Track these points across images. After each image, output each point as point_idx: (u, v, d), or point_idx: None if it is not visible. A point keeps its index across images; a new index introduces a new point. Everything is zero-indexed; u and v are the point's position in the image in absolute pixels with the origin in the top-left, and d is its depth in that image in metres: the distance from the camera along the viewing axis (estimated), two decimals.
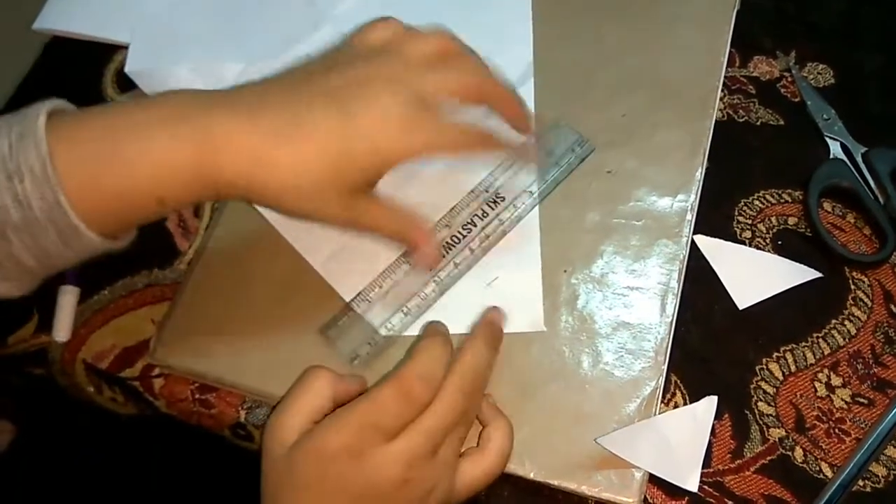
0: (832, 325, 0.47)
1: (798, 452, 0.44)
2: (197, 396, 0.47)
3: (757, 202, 0.51)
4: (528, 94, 0.53)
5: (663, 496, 0.43)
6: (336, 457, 0.37)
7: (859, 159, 0.51)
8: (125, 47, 0.53)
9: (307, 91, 0.40)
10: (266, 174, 0.38)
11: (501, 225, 0.48)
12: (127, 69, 0.51)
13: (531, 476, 0.42)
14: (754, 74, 0.56)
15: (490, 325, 0.43)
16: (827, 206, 0.51)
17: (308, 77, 0.40)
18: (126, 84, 0.57)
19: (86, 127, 0.38)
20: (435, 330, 0.42)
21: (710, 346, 0.46)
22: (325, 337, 0.46)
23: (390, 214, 0.43)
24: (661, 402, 0.44)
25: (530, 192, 0.49)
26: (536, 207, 0.49)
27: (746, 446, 0.44)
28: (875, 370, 0.46)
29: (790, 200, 0.51)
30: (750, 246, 0.49)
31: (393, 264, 0.47)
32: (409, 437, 0.38)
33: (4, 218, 0.36)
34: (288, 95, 0.39)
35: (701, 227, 0.49)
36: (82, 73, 0.59)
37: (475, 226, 0.48)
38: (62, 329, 0.48)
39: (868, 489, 0.42)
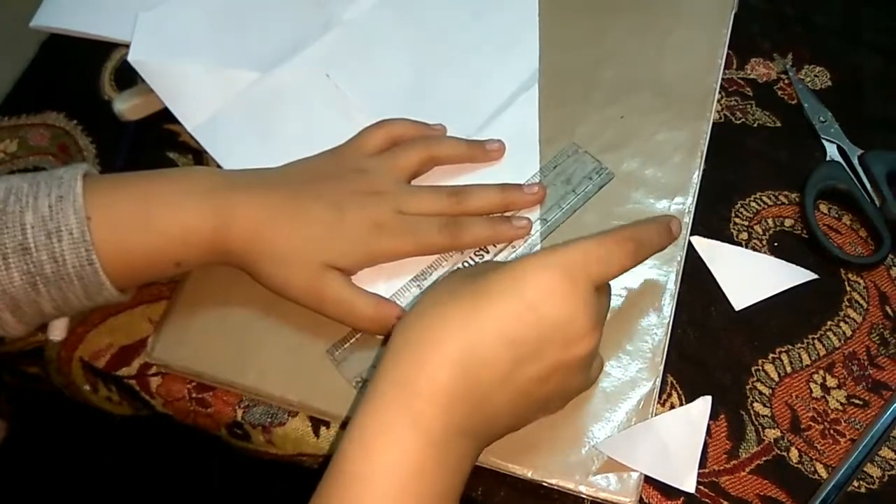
0: (828, 327, 0.47)
1: (793, 453, 0.44)
2: (194, 395, 0.47)
3: (754, 204, 0.51)
4: (531, 100, 0.53)
5: (659, 496, 0.43)
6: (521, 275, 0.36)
7: (856, 162, 0.51)
8: (123, 45, 0.52)
9: (311, 188, 0.45)
10: (263, 241, 0.43)
11: (514, 251, 0.47)
12: (130, 58, 0.50)
13: (528, 476, 0.42)
14: (752, 76, 0.56)
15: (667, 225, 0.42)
16: (823, 208, 0.51)
17: (313, 178, 0.46)
18: (124, 83, 0.57)
19: (119, 194, 0.42)
20: (669, 217, 0.42)
21: (707, 347, 0.47)
22: (331, 358, 0.45)
23: (360, 291, 0.45)
24: (658, 402, 0.44)
25: (544, 219, 0.49)
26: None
27: (742, 447, 0.44)
28: (870, 371, 0.46)
29: (787, 202, 0.51)
30: (746, 247, 0.49)
31: (403, 287, 0.46)
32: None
33: (38, 271, 0.40)
34: (295, 187, 0.45)
35: (698, 228, 0.49)
36: (80, 71, 0.59)
37: (487, 252, 0.47)
38: (58, 327, 0.48)
39: (863, 490, 0.43)
